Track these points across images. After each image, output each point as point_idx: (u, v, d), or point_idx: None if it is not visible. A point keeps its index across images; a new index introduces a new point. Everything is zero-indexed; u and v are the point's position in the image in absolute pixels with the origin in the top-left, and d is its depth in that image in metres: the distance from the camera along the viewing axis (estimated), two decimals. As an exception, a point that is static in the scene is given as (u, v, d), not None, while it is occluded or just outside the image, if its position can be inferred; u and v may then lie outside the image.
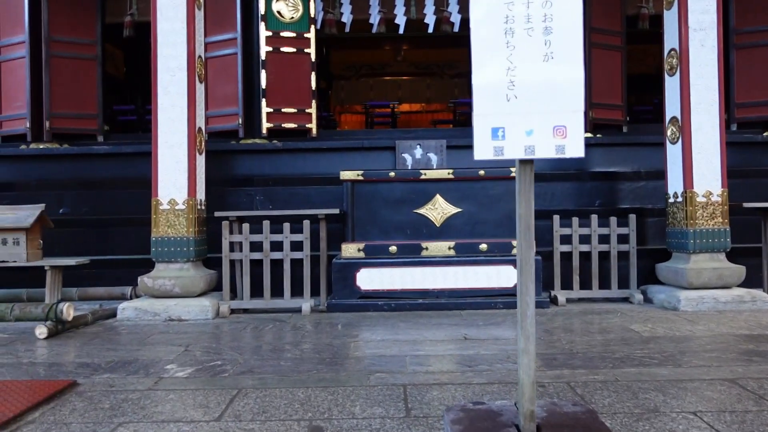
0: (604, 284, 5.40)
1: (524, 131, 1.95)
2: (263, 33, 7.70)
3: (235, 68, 7.77)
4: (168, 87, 5.02)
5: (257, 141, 7.37)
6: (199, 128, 5.20)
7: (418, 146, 6.69)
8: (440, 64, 17.31)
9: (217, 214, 5.23)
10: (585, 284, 5.40)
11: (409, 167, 6.67)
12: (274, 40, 7.73)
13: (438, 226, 5.23)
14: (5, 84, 7.63)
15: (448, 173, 5.22)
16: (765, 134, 6.98)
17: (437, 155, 6.68)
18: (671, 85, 5.21)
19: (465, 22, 8.59)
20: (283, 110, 7.69)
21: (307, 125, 7.74)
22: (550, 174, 6.48)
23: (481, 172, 5.21)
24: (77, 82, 7.70)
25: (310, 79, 7.83)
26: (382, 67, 17.34)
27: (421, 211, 5.24)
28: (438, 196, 5.23)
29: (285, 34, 7.78)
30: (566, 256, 5.40)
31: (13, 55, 7.52)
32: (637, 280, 5.43)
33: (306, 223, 5.13)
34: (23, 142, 7.29)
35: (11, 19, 7.52)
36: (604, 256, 5.42)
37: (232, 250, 5.15)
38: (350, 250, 5.18)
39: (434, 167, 6.65)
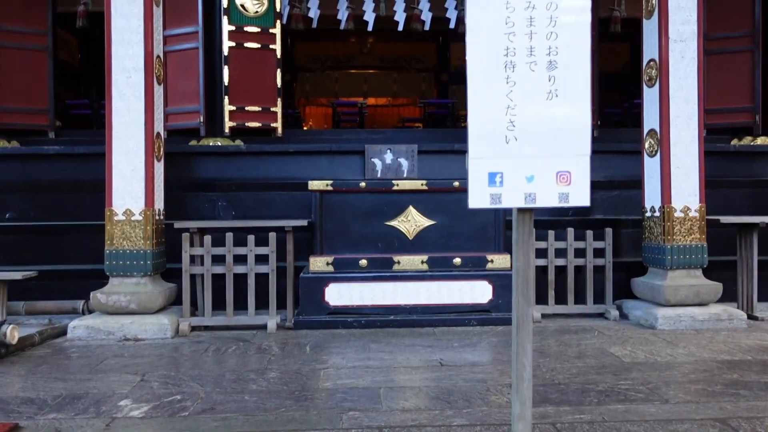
0: (580, 299, 5.27)
1: (524, 177, 1.75)
2: (226, 27, 7.35)
3: (196, 63, 7.41)
4: (123, 89, 4.68)
5: (219, 143, 7.04)
6: (158, 133, 4.88)
7: (389, 151, 6.45)
8: (407, 58, 17.05)
9: (177, 225, 4.92)
10: (560, 299, 5.26)
11: (379, 173, 6.44)
12: (238, 35, 7.39)
13: (411, 239, 5.02)
14: (-52, 75, 7.16)
15: (422, 184, 5.00)
16: (734, 143, 6.94)
17: (408, 160, 6.46)
18: (650, 96, 5.08)
19: (436, 20, 8.38)
20: (246, 108, 7.37)
21: (272, 124, 7.44)
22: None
23: (456, 184, 5.02)
24: (26, 74, 7.26)
25: (276, 76, 7.52)
26: (348, 60, 17.02)
27: (393, 223, 5.02)
28: (411, 208, 5.02)
29: (249, 29, 7.44)
30: (541, 270, 5.25)
31: (-45, 46, 7.05)
32: (613, 293, 5.32)
33: (272, 235, 4.86)
34: (-33, 138, 6.85)
35: (-46, 6, 7.03)
36: (578, 270, 5.29)
37: (192, 263, 4.85)
38: (318, 263, 4.94)
39: (405, 173, 6.43)
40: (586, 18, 1.68)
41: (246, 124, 7.34)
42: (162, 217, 4.96)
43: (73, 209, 5.94)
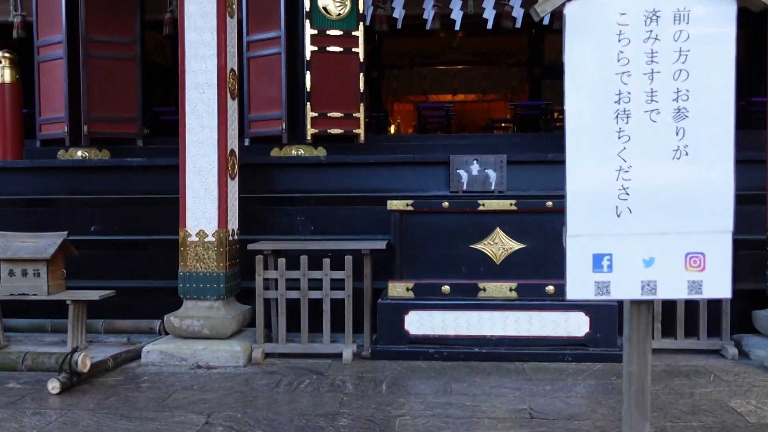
0: (690, 331, 4.69)
1: (641, 260, 1.34)
2: (308, 31, 7.13)
3: (278, 69, 7.25)
4: (196, 106, 4.52)
5: (302, 151, 6.85)
6: (231, 150, 4.69)
7: (475, 162, 6.03)
8: (498, 53, 16.43)
9: (250, 246, 4.71)
10: (667, 331, 4.69)
11: (465, 184, 6.02)
12: (320, 38, 7.16)
13: (497, 263, 4.60)
14: (44, 86, 7.32)
15: (510, 204, 4.57)
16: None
17: (496, 172, 6.01)
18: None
19: (528, 17, 7.83)
20: (329, 115, 7.14)
21: (354, 131, 7.18)
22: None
23: (549, 204, 4.55)
24: (116, 83, 7.31)
25: (358, 80, 7.24)
26: (436, 56, 16.58)
27: (479, 246, 4.61)
28: (498, 230, 4.60)
29: (331, 32, 7.20)
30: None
31: (51, 56, 7.18)
32: (730, 326, 4.69)
33: (348, 259, 4.56)
34: (62, 147, 6.98)
35: (49, 18, 7.16)
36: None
37: (266, 288, 4.64)
38: (398, 289, 4.61)
39: (492, 185, 5.98)
40: (730, 50, 1.24)
41: (328, 130, 7.12)
42: (236, 238, 4.77)
43: (155, 223, 5.87)
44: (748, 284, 5.04)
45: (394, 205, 4.62)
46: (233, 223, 4.71)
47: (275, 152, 7.04)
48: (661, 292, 1.36)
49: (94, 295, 4.55)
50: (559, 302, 4.52)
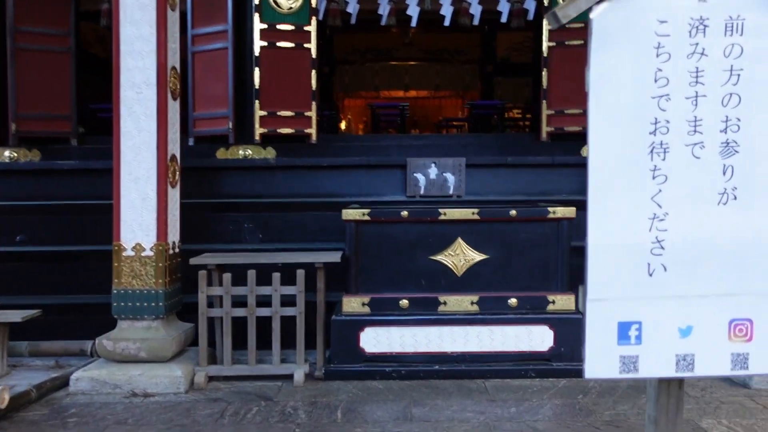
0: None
1: (677, 328, 1.09)
2: (257, 25, 6.75)
3: (225, 65, 6.84)
4: (133, 107, 4.11)
5: (247, 154, 6.47)
6: (173, 156, 4.30)
7: (433, 165, 5.77)
8: (451, 50, 16.25)
9: (193, 261, 4.32)
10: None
11: (422, 189, 5.76)
12: (270, 33, 6.79)
13: (459, 275, 4.35)
14: (-34, 81, 6.73)
15: (473, 213, 4.32)
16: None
17: (455, 176, 5.77)
18: None
19: (486, 14, 7.63)
20: (279, 113, 6.78)
21: (305, 130, 6.83)
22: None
23: (513, 213, 4.32)
24: (48, 78, 6.77)
25: (310, 77, 6.89)
26: (389, 52, 16.28)
27: (439, 257, 4.35)
28: (460, 240, 4.34)
29: (282, 26, 6.83)
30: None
31: (-28, 48, 6.60)
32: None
33: (300, 274, 4.24)
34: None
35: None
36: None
37: (211, 305, 4.27)
38: (353, 304, 4.31)
39: (451, 189, 5.74)
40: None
41: (278, 130, 6.75)
42: (177, 250, 4.39)
43: (89, 232, 5.41)
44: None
45: (349, 214, 4.31)
46: (174, 235, 4.33)
47: (221, 153, 6.64)
48: (699, 367, 1.11)
49: (16, 316, 4.10)
50: (522, 315, 4.30)
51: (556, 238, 4.35)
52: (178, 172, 4.40)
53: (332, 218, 5.35)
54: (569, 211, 4.31)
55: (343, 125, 16.30)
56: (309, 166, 5.91)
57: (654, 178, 1.09)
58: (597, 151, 1.10)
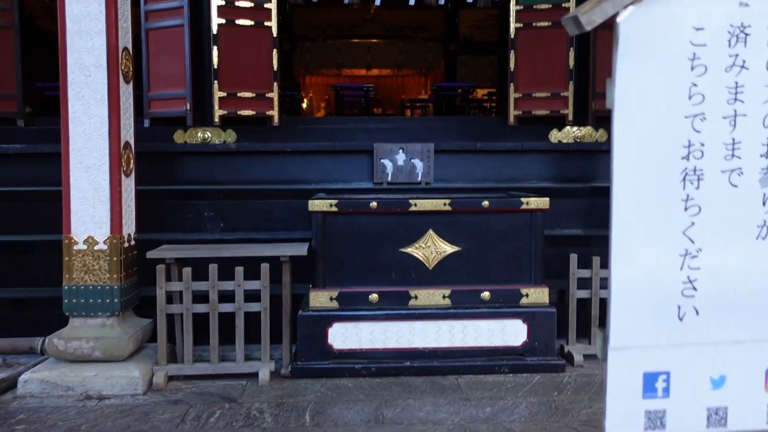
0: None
1: (708, 379, 0.97)
2: (215, 2, 6.43)
3: (181, 43, 6.52)
4: (82, 91, 3.81)
5: (206, 137, 6.20)
6: (126, 143, 4.02)
7: (401, 151, 5.60)
8: (413, 27, 16.02)
9: (150, 255, 4.07)
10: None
11: (390, 176, 5.60)
12: (228, 9, 6.48)
13: (430, 268, 4.21)
14: None
15: (444, 204, 4.17)
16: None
17: (423, 162, 5.61)
18: None
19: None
20: (239, 95, 6.51)
21: (267, 112, 6.57)
22: (557, 189, 5.49)
23: (485, 204, 4.18)
24: (-12, 55, 6.38)
25: (272, 57, 6.63)
26: (351, 29, 15.98)
27: (410, 249, 4.20)
28: (431, 232, 4.19)
29: (241, 3, 6.53)
30: (583, 303, 4.46)
31: None
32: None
33: (264, 267, 4.04)
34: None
35: None
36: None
37: (170, 300, 4.04)
38: (320, 299, 4.14)
39: (419, 176, 5.59)
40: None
41: (238, 112, 6.49)
42: (133, 243, 4.14)
43: (39, 221, 5.09)
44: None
45: (316, 205, 4.11)
46: (129, 227, 4.07)
47: (179, 135, 6.35)
48: (733, 421, 0.98)
49: (-42, 313, 3.82)
50: (495, 309, 4.19)
51: (529, 229, 4.23)
52: (132, 160, 4.13)
53: (297, 206, 5.16)
54: (543, 202, 4.20)
55: (304, 104, 15.98)
56: (272, 152, 5.68)
57: (686, 209, 0.96)
58: (622, 178, 0.95)
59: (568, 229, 5.36)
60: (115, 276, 3.90)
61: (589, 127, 6.74)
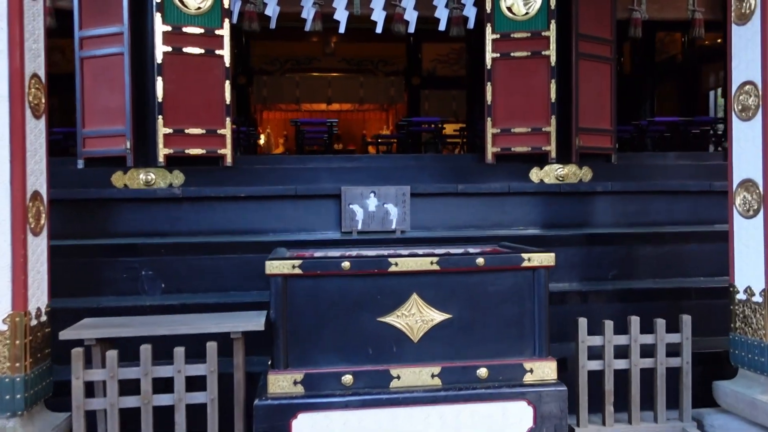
0: (644, 409, 3.81)
1: None
2: (159, 27, 5.76)
3: (121, 73, 5.83)
4: (-24, 129, 3.02)
5: (149, 179, 5.47)
6: (35, 193, 3.21)
7: (372, 195, 4.91)
8: (374, 61, 15.52)
9: (63, 335, 3.22)
10: (618, 412, 3.79)
11: (360, 223, 4.89)
12: (175, 36, 5.81)
13: (415, 341, 3.47)
14: None
15: (431, 263, 3.45)
16: None
17: (398, 207, 4.92)
18: (745, 134, 3.64)
19: (423, 22, 6.86)
20: (187, 131, 5.79)
21: (219, 151, 5.87)
22: (551, 237, 4.85)
23: (480, 261, 3.48)
24: None
25: (224, 89, 5.95)
26: (310, 62, 15.39)
27: (390, 319, 3.46)
28: (415, 297, 3.47)
29: (189, 29, 5.85)
30: (592, 375, 3.77)
31: None
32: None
33: (211, 347, 3.25)
34: None
35: None
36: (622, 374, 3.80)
37: (92, 390, 3.20)
38: (281, 383, 3.35)
39: (394, 223, 4.90)
40: None
41: (186, 151, 5.77)
42: (44, 319, 3.30)
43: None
44: (699, 345, 4.26)
45: (274, 267, 3.35)
46: (39, 299, 3.24)
47: (118, 178, 5.59)
48: None
49: None
50: (495, 390, 3.46)
51: (531, 290, 3.54)
52: (44, 214, 3.31)
53: (253, 262, 4.41)
54: (547, 258, 3.52)
55: (262, 139, 15.26)
56: (224, 197, 4.91)
57: None
58: None
59: (562, 283, 4.71)
60: (17, 365, 3.05)
61: (572, 165, 6.21)
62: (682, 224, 5.31)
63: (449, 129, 10.88)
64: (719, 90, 11.78)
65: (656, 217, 5.37)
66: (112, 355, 3.13)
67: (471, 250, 4.02)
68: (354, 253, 3.91)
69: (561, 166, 6.18)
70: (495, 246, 4.10)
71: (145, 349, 3.16)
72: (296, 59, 15.32)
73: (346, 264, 3.40)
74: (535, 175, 6.16)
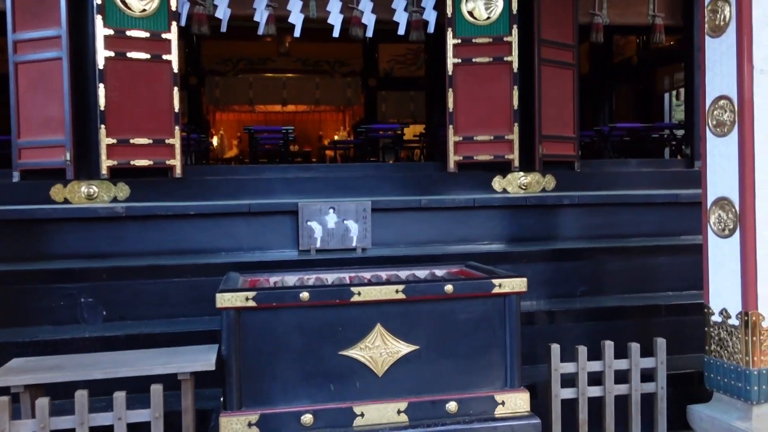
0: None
1: None
2: (101, 31, 5.40)
3: (59, 79, 5.46)
4: None
5: (91, 192, 5.13)
6: (-47, 223, 2.86)
7: (332, 210, 4.64)
8: (330, 61, 15.22)
9: (-13, 383, 2.89)
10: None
11: (318, 241, 4.62)
12: (118, 41, 5.45)
13: (380, 375, 3.22)
14: None
15: (396, 291, 3.22)
16: None
17: (358, 223, 4.67)
18: (720, 150, 3.50)
19: (380, 24, 6.61)
20: (132, 141, 5.45)
21: (167, 162, 5.54)
22: (517, 253, 4.66)
23: (449, 288, 3.26)
24: None
25: (172, 96, 5.62)
26: (264, 62, 15.00)
27: (353, 352, 3.20)
28: (380, 328, 3.22)
29: (133, 33, 5.50)
30: (565, 404, 3.60)
31: None
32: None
33: (155, 391, 2.94)
34: None
35: None
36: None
37: (18, 446, 2.87)
38: (234, 426, 3.06)
39: (354, 241, 4.65)
40: None
41: (131, 162, 5.44)
42: (-35, 362, 2.95)
43: None
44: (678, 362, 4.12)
45: (226, 300, 3.06)
46: (-42, 341, 2.89)
47: (57, 191, 5.23)
48: None
49: None
50: (465, 425, 3.24)
51: (502, 318, 3.33)
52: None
53: (203, 286, 4.10)
54: (519, 284, 3.32)
55: (215, 141, 14.82)
56: (170, 216, 4.58)
57: None
58: None
59: (530, 301, 4.53)
60: (-67, 418, 2.71)
61: (536, 173, 6.07)
62: (649, 236, 5.19)
63: (408, 133, 10.68)
64: (674, 93, 11.88)
65: (623, 228, 5.23)
66: (42, 404, 2.80)
67: (437, 272, 3.81)
68: (313, 278, 3.65)
69: (524, 174, 6.03)
70: (462, 266, 3.89)
71: (81, 396, 2.84)
72: (249, 59, 14.92)
73: (304, 295, 3.14)
74: (498, 183, 5.99)
